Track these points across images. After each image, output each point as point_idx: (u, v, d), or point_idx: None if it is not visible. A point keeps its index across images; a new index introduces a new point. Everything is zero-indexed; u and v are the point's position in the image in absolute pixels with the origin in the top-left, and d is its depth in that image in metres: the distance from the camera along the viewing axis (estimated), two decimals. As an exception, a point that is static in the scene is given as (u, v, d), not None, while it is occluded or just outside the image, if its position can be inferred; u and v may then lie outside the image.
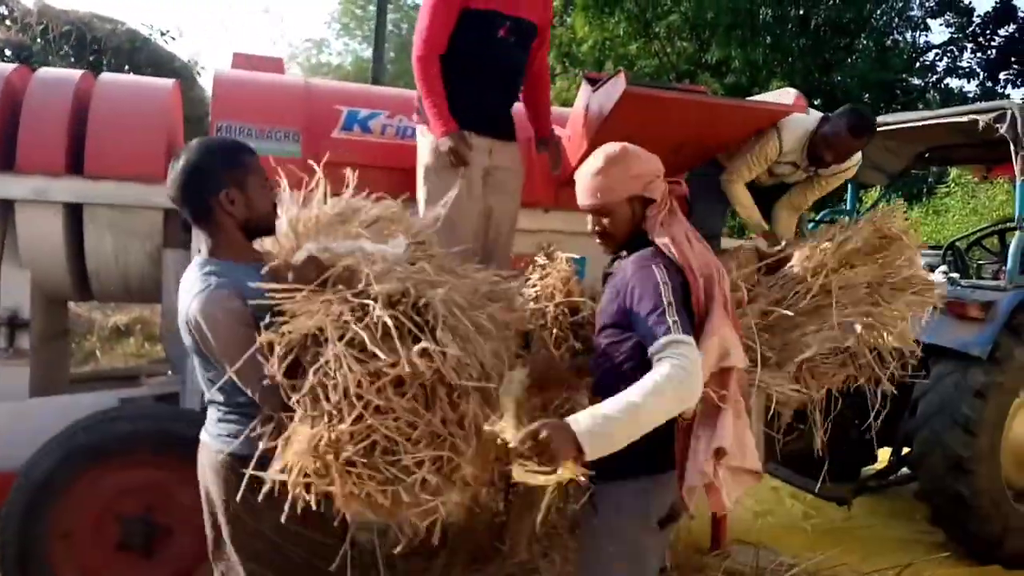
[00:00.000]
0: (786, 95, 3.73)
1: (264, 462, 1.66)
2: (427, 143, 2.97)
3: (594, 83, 3.19)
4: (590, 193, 2.11)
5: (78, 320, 6.37)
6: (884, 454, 4.67)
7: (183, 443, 2.79)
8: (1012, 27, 17.06)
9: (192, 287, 1.83)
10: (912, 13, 16.40)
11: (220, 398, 1.91)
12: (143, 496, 2.81)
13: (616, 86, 2.97)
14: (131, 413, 2.88)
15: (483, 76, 2.98)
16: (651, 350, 1.79)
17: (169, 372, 3.33)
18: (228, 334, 1.76)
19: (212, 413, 1.99)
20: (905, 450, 4.17)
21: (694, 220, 3.39)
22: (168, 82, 3.41)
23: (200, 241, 2.01)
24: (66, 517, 2.75)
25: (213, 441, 1.94)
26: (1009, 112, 3.99)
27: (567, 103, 6.35)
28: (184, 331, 1.87)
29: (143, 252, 3.11)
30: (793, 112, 3.53)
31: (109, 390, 3.12)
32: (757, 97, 3.68)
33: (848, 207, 5.94)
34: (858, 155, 3.62)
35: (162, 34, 8.93)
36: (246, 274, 1.83)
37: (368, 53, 16.38)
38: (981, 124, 4.10)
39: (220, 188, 1.88)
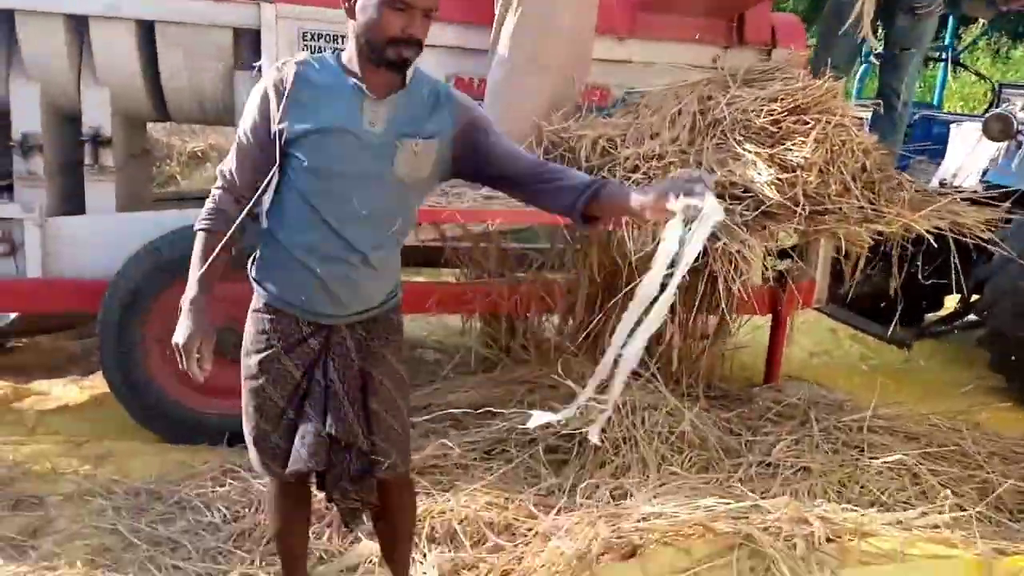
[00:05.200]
0: None
1: None
2: None
3: None
4: None
5: (157, 145, 6.54)
6: (950, 301, 4.61)
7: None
8: None
9: None
10: None
11: None
12: (229, 308, 3.00)
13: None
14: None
15: None
16: None
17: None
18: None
19: None
20: (974, 297, 4.09)
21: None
22: None
23: None
24: (158, 325, 2.96)
25: None
26: None
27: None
28: None
29: (216, 73, 3.13)
30: None
31: (191, 209, 3.25)
32: None
33: (946, 43, 5.51)
34: None
35: None
36: (333, 84, 1.64)
37: None
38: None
39: None
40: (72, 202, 3.25)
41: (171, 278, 2.93)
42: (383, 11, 1.55)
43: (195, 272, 1.76)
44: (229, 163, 1.75)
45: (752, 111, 2.91)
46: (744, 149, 2.81)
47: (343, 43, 3.02)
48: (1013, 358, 3.93)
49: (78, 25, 2.99)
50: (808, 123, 2.78)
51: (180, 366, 1.76)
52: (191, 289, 1.77)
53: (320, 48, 3.09)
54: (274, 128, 1.64)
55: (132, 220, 3.13)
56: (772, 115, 2.85)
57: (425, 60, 3.32)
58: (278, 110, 1.63)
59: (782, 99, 2.87)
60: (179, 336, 1.74)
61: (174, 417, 3.00)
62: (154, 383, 2.97)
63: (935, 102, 5.58)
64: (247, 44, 3.10)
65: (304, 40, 3.07)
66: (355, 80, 1.63)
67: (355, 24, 1.60)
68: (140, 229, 2.99)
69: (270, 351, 1.76)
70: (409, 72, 1.67)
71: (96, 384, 3.38)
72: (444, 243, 3.35)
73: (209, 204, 1.76)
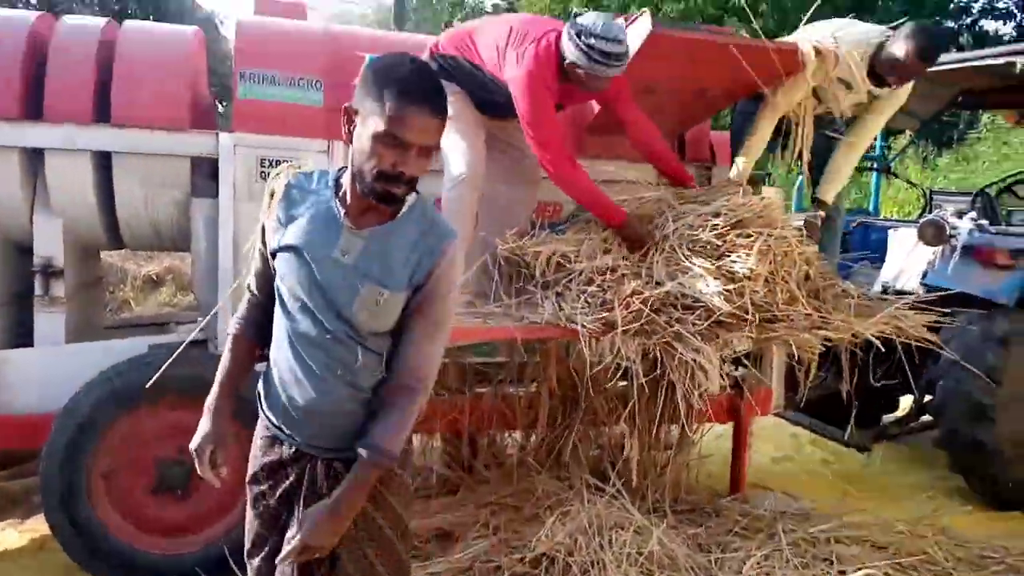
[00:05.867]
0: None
1: None
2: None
3: (619, 27, 3.14)
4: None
5: (111, 270, 6.49)
6: (905, 402, 4.68)
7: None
8: (1054, -35, 16.43)
9: None
10: (948, -49, 15.82)
11: None
12: (178, 439, 2.90)
13: (641, 28, 2.92)
14: (162, 359, 2.96)
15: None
16: None
17: (199, 319, 3.39)
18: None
19: None
20: (927, 398, 4.17)
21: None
22: (191, 29, 3.40)
23: None
24: (105, 458, 2.86)
25: None
26: (1047, 54, 3.88)
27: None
28: None
29: (172, 201, 3.14)
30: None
31: (142, 337, 3.20)
32: (790, 37, 3.58)
33: (877, 153, 5.84)
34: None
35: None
36: (318, 204, 1.62)
37: (391, 1, 16.23)
38: (1019, 67, 3.99)
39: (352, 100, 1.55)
40: (20, 333, 3.17)
41: (121, 409, 2.85)
42: (375, 144, 1.47)
43: (217, 375, 1.77)
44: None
45: (697, 226, 3.01)
46: (692, 263, 2.89)
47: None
48: (969, 458, 3.97)
49: (33, 157, 3.01)
50: (751, 236, 2.89)
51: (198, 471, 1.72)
52: (211, 392, 1.76)
53: (277, 175, 3.14)
54: (266, 237, 1.69)
55: (81, 351, 3.06)
56: (716, 229, 2.95)
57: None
58: (268, 222, 1.67)
59: (724, 214, 2.98)
60: (193, 440, 1.71)
61: (120, 559, 2.83)
62: (99, 522, 2.83)
63: (872, 208, 5.86)
64: (204, 172, 3.12)
65: (263, 167, 3.11)
66: (337, 205, 1.60)
67: (350, 150, 1.56)
68: (90, 360, 2.92)
69: (253, 471, 1.72)
70: (407, 203, 1.61)
71: (37, 527, 3.21)
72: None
73: (239, 309, 1.79)
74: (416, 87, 1.47)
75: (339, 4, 30.10)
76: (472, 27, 3.11)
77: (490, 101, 3.02)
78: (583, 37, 2.74)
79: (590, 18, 2.78)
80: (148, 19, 7.95)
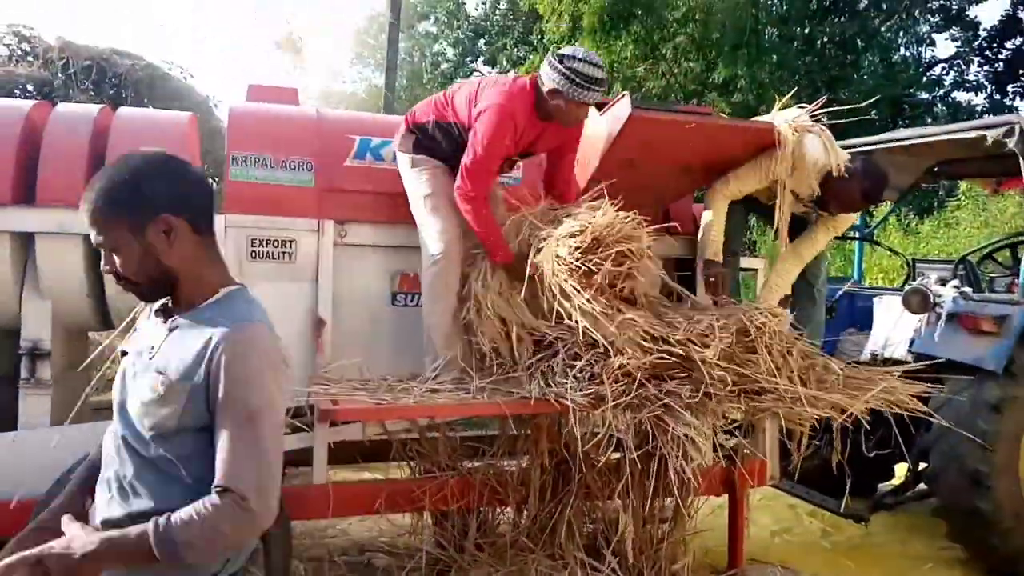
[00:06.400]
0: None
1: None
2: (419, 173, 3.10)
3: (601, 107, 3.23)
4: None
5: (100, 348, 6.43)
6: (901, 469, 4.64)
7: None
8: (1019, 39, 17.10)
9: None
10: (918, 28, 16.46)
11: None
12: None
13: (622, 109, 3.02)
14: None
15: None
16: None
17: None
18: None
19: None
20: (921, 465, 4.14)
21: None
22: (184, 114, 3.49)
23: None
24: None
25: None
26: (1017, 127, 3.99)
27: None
28: None
29: (161, 281, 3.15)
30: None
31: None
32: (766, 116, 3.69)
33: (857, 223, 5.94)
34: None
35: (180, 71, 9.15)
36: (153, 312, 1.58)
37: (381, 81, 16.69)
38: (990, 139, 4.10)
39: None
40: (5, 416, 3.13)
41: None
42: None
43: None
44: None
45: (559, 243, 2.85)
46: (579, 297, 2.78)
47: (291, 247, 3.20)
48: (968, 528, 3.92)
49: (24, 241, 3.04)
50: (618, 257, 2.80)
51: None
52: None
53: (268, 254, 3.17)
54: None
55: (66, 433, 3.01)
56: (576, 251, 2.78)
57: (369, 258, 3.44)
58: None
59: (578, 233, 2.79)
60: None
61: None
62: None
63: (856, 276, 5.92)
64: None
65: (253, 247, 3.14)
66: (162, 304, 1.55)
67: None
68: (74, 442, 2.87)
69: None
70: (220, 293, 1.51)
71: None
72: (390, 436, 3.29)
73: None
74: (91, 183, 1.45)
75: (329, 83, 30.89)
76: (448, 89, 3.23)
77: None
78: (565, 62, 2.85)
79: (571, 48, 2.92)
80: (144, 102, 8.12)
